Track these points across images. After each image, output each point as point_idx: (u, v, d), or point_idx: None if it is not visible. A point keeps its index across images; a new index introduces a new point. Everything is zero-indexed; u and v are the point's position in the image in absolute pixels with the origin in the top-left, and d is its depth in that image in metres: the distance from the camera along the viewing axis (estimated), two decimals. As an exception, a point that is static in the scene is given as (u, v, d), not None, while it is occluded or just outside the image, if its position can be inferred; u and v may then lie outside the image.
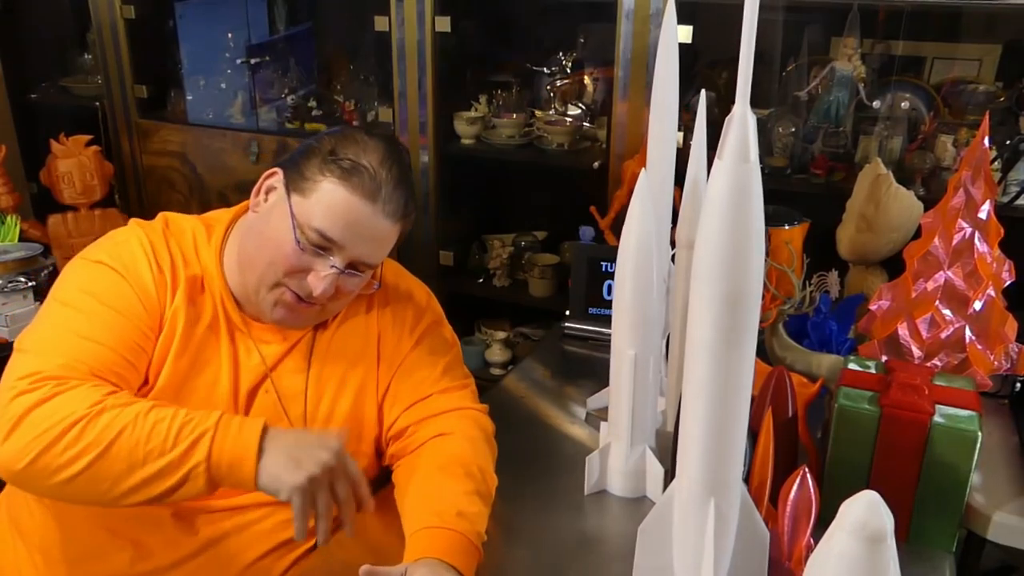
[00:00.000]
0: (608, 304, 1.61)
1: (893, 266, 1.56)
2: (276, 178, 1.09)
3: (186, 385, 1.07)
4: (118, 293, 1.05)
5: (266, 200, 1.10)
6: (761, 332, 0.95)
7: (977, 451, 0.98)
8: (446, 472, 1.03)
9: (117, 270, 1.05)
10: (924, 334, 1.28)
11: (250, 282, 1.08)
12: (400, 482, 1.07)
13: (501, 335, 2.45)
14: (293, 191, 1.06)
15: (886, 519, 0.61)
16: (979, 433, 0.97)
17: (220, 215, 1.17)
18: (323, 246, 1.04)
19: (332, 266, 1.04)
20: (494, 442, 1.14)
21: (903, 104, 1.94)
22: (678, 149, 1.15)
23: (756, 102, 0.70)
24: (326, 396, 1.13)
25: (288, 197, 1.06)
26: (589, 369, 1.51)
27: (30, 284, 2.03)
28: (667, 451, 1.08)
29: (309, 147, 1.08)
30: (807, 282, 1.29)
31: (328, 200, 1.03)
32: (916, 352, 1.28)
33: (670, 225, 1.19)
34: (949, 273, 1.27)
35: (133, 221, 1.14)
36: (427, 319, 1.21)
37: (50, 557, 1.09)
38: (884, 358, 1.30)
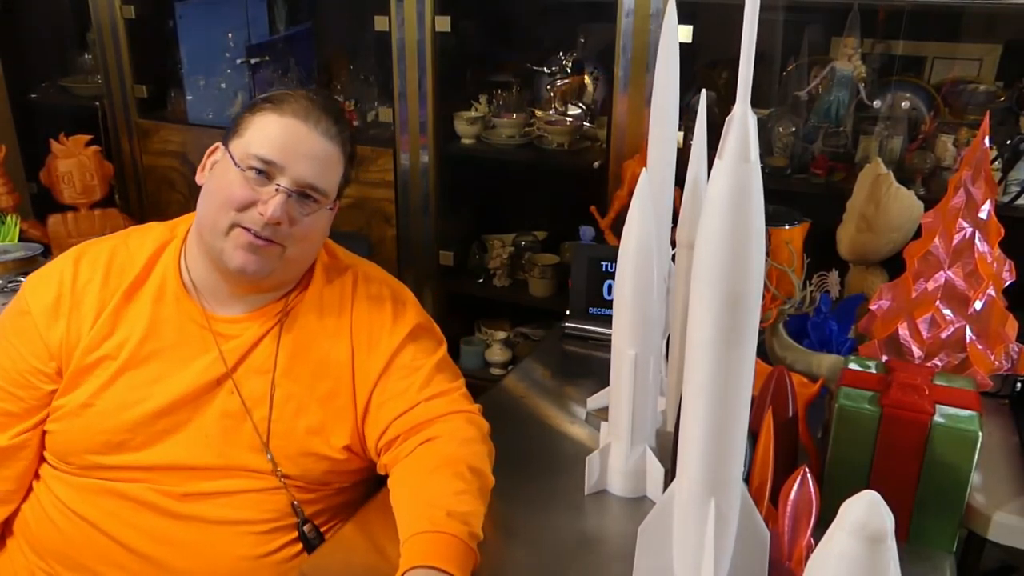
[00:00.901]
0: (608, 304, 1.61)
1: (893, 266, 1.56)
2: (218, 150, 1.14)
3: (134, 382, 1.09)
4: (15, 327, 1.11)
5: (211, 171, 1.13)
6: (761, 332, 0.95)
7: (977, 451, 0.98)
8: (435, 475, 1.02)
9: (26, 298, 1.12)
10: (924, 334, 1.28)
11: (207, 239, 1.10)
12: (393, 489, 1.07)
13: (501, 335, 2.45)
14: (230, 140, 1.10)
15: (886, 519, 0.61)
16: (979, 433, 0.97)
17: (188, 216, 1.20)
18: (265, 171, 1.07)
19: (278, 187, 1.06)
20: (490, 441, 1.13)
21: (903, 104, 1.94)
22: (678, 149, 1.15)
23: (756, 102, 0.70)
24: (291, 400, 1.12)
25: (227, 148, 1.10)
26: (589, 369, 1.51)
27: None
28: (667, 451, 1.08)
29: (246, 106, 1.14)
30: (807, 282, 1.29)
31: (262, 127, 1.08)
32: (916, 352, 1.28)
33: (670, 225, 1.19)
34: (949, 273, 1.27)
35: (90, 240, 1.18)
36: (407, 324, 1.17)
37: (36, 550, 1.11)
38: (884, 358, 1.30)
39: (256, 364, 1.12)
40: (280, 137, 1.07)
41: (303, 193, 1.09)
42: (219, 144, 1.13)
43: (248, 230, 1.07)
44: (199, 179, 1.14)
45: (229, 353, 1.12)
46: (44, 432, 1.11)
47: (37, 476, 1.13)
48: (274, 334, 1.14)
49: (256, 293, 1.14)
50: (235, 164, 1.07)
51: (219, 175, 1.10)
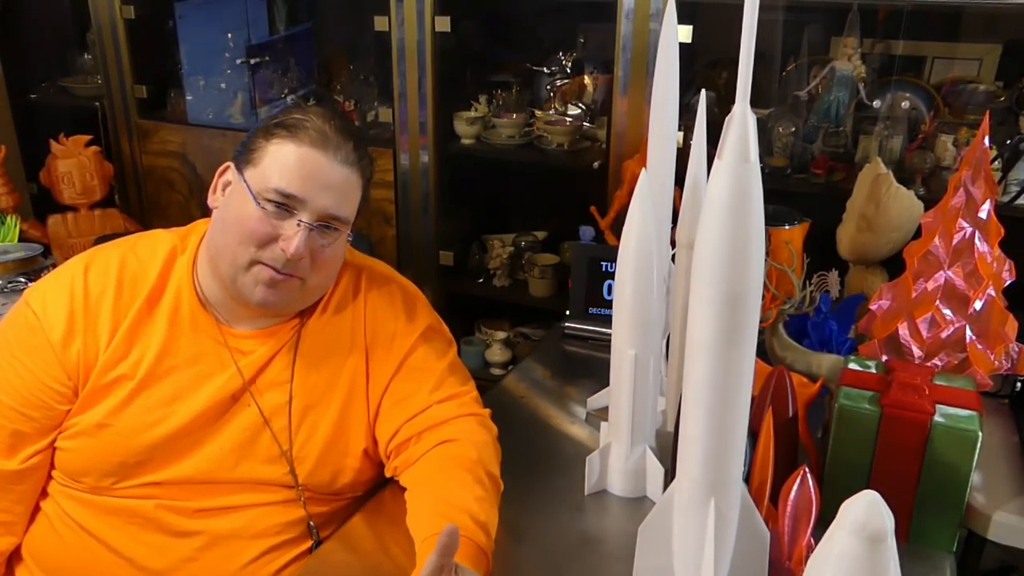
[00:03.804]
0: (608, 304, 1.61)
1: (893, 266, 1.56)
2: (229, 171, 1.10)
3: (151, 402, 1.07)
4: (26, 345, 1.06)
5: (224, 194, 1.10)
6: (761, 332, 0.95)
7: (977, 451, 0.98)
8: (455, 478, 1.01)
9: (36, 313, 1.06)
10: (924, 334, 1.28)
11: (225, 271, 1.07)
12: (411, 488, 1.05)
13: (501, 335, 2.45)
14: (245, 167, 1.06)
15: (886, 519, 0.61)
16: (979, 433, 0.97)
17: (197, 225, 1.17)
18: (286, 205, 1.03)
19: (300, 222, 1.03)
20: (498, 446, 1.13)
21: (903, 104, 1.94)
22: (678, 149, 1.15)
23: (756, 102, 0.70)
24: (310, 410, 1.11)
25: (242, 176, 1.06)
26: (589, 369, 1.51)
27: (30, 284, 2.03)
28: (667, 451, 1.08)
29: (252, 131, 1.09)
30: (807, 282, 1.29)
31: (279, 158, 1.04)
32: (916, 352, 1.28)
33: (670, 225, 1.19)
34: (949, 273, 1.27)
35: (95, 248, 1.15)
36: (419, 325, 1.17)
37: (43, 566, 1.10)
38: (884, 358, 1.30)
39: (272, 376, 1.11)
40: (299, 168, 1.03)
41: (324, 224, 1.05)
42: (230, 165, 1.10)
43: (269, 265, 1.04)
44: (211, 202, 1.11)
45: (246, 368, 1.10)
46: (54, 449, 1.08)
47: (45, 494, 1.11)
48: (290, 346, 1.12)
49: (273, 317, 1.13)
50: (253, 197, 1.03)
51: (235, 205, 1.05)
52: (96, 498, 1.07)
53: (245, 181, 1.05)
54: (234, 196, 1.07)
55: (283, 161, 1.03)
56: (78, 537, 1.07)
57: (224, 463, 1.07)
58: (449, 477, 1.02)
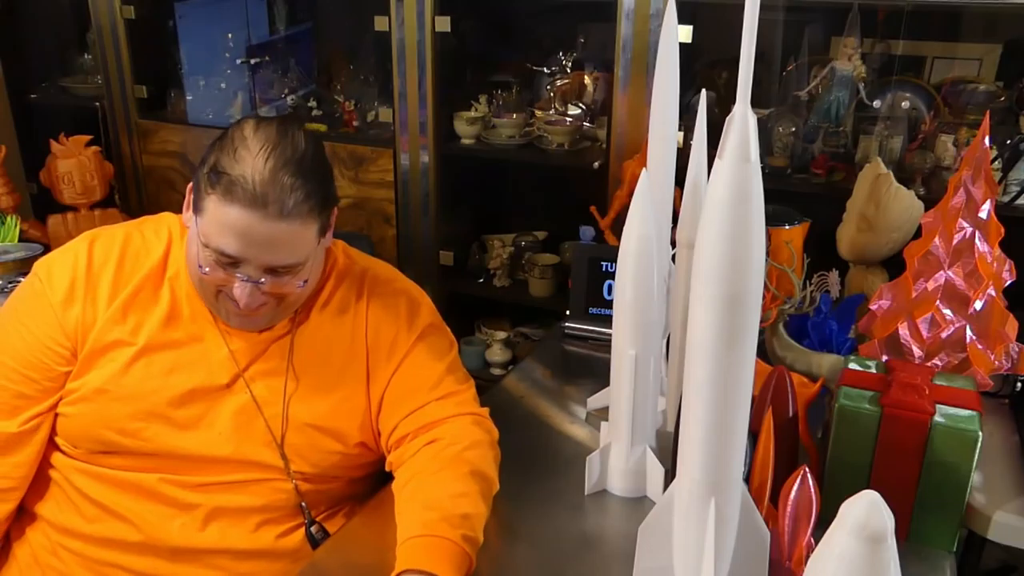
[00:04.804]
0: (608, 304, 1.61)
1: (893, 266, 1.56)
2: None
3: (151, 371, 1.09)
4: (30, 309, 1.11)
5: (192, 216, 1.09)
6: (761, 332, 0.95)
7: (978, 451, 0.98)
8: (436, 477, 1.02)
9: (41, 280, 1.11)
10: (924, 334, 1.28)
11: (199, 292, 1.10)
12: (396, 492, 1.07)
13: (501, 335, 2.45)
14: (197, 211, 1.05)
15: (887, 519, 0.61)
16: (980, 433, 0.97)
17: None
18: (229, 262, 1.02)
19: (245, 279, 1.03)
20: (497, 446, 1.13)
21: (903, 104, 1.94)
22: (678, 149, 1.15)
23: (756, 102, 0.70)
24: (304, 402, 1.13)
25: (195, 217, 1.05)
26: (589, 369, 1.51)
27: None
28: (667, 451, 1.08)
29: (205, 156, 1.05)
30: (807, 282, 1.29)
31: (216, 218, 1.00)
32: (916, 352, 1.28)
33: (670, 225, 1.19)
34: (949, 273, 1.27)
35: (103, 226, 1.18)
36: (421, 324, 1.18)
37: (56, 529, 1.13)
38: (884, 358, 1.30)
39: (268, 366, 1.13)
40: (233, 231, 0.99)
41: (274, 271, 1.04)
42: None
43: (234, 300, 1.05)
44: (185, 220, 1.10)
45: (241, 353, 1.12)
46: (56, 415, 1.12)
47: (54, 466, 1.14)
48: (286, 340, 1.14)
49: None
50: (197, 252, 1.04)
51: (193, 240, 1.06)
52: (101, 470, 1.11)
53: (196, 228, 1.04)
54: (191, 231, 1.07)
55: (220, 222, 1.00)
56: (88, 505, 1.11)
57: (223, 446, 1.10)
58: (428, 478, 1.03)
